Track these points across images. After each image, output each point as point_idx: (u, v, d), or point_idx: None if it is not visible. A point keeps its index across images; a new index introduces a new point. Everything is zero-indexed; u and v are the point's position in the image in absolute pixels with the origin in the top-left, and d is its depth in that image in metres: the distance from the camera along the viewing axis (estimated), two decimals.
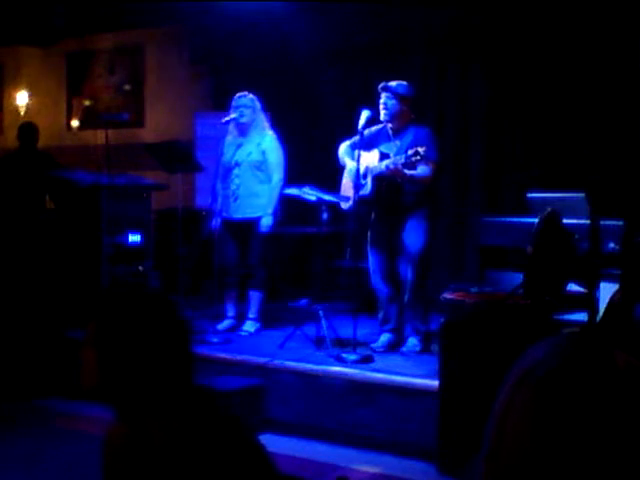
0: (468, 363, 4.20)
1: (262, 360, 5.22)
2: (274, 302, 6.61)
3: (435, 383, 4.42)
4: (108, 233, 6.27)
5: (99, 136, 8.18)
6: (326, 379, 4.96)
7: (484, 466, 0.94)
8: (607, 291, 4.00)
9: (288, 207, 6.05)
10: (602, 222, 4.17)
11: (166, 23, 8.64)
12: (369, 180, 5.24)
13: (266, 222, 5.83)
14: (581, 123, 6.35)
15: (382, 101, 5.28)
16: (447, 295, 4.60)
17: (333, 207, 5.59)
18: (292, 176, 6.01)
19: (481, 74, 7.03)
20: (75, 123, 9.80)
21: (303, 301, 6.50)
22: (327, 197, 5.51)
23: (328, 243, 6.07)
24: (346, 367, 4.97)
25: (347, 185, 5.42)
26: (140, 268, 6.52)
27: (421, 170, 5.14)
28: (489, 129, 6.99)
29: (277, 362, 5.15)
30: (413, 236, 5.22)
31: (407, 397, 4.66)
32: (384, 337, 5.42)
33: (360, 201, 5.23)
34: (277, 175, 5.87)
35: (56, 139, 9.53)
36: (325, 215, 5.52)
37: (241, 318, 6.13)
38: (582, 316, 4.16)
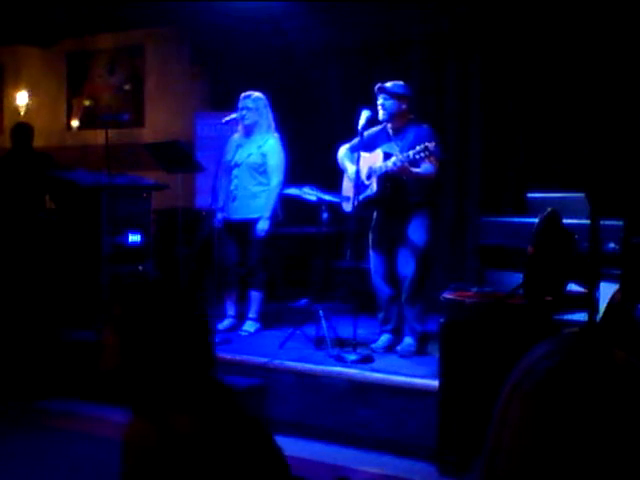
0: (468, 363, 4.20)
1: (262, 360, 5.22)
2: (274, 302, 6.61)
3: (435, 383, 4.42)
4: (108, 233, 6.27)
5: (99, 136, 8.18)
6: (326, 379, 4.96)
7: (485, 466, 0.94)
8: (607, 291, 4.00)
9: (288, 207, 6.05)
10: (602, 222, 4.17)
11: (166, 23, 8.64)
12: (374, 180, 5.23)
13: (262, 226, 5.82)
14: (581, 123, 6.35)
15: (379, 102, 5.28)
16: (447, 295, 4.60)
17: (333, 207, 5.59)
18: (292, 176, 6.01)
19: (481, 74, 7.03)
20: (75, 123, 9.80)
21: (303, 301, 6.50)
22: (327, 197, 5.51)
23: (328, 243, 6.07)
24: (346, 367, 4.97)
25: (348, 188, 5.41)
26: (140, 268, 6.52)
27: (425, 167, 5.14)
28: (489, 129, 6.99)
29: (277, 362, 5.15)
30: (417, 233, 5.22)
31: (407, 397, 4.66)
32: (384, 337, 5.43)
33: (364, 202, 5.22)
34: (276, 178, 5.85)
35: (56, 139, 9.54)
36: (325, 215, 5.52)
37: (241, 318, 6.13)
38: (582, 316, 4.16)
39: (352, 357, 5.04)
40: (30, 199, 6.72)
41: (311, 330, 5.55)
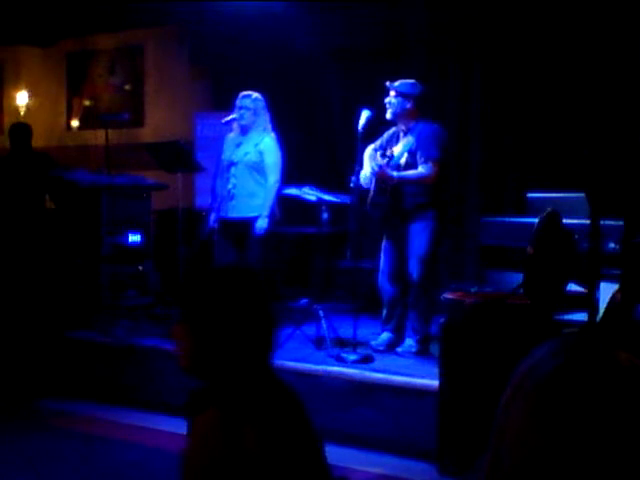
0: (468, 363, 4.19)
1: None
2: (274, 302, 6.59)
3: (435, 383, 4.42)
4: (108, 233, 6.27)
5: (99, 136, 8.17)
6: (326, 379, 4.96)
7: (487, 467, 0.94)
8: (607, 291, 4.01)
9: (288, 207, 6.04)
10: (602, 222, 4.17)
11: (166, 23, 8.64)
12: (373, 183, 5.23)
13: (261, 224, 5.81)
14: (581, 123, 6.35)
15: (386, 100, 5.27)
16: (447, 295, 4.60)
17: (333, 207, 5.59)
18: (292, 176, 6.00)
19: (481, 74, 7.03)
20: (75, 123, 9.80)
21: (303, 301, 6.50)
22: (327, 197, 5.51)
23: (328, 243, 6.07)
24: (346, 367, 4.97)
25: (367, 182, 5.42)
26: (140, 268, 6.52)
27: (420, 170, 5.11)
28: (489, 129, 6.99)
29: (277, 362, 5.14)
30: (419, 237, 5.15)
31: (407, 397, 4.66)
32: (384, 336, 5.42)
33: (371, 204, 5.22)
34: (273, 177, 5.85)
35: (56, 139, 9.54)
36: (325, 215, 5.52)
37: None
38: (582, 316, 4.16)
39: (352, 357, 5.04)
40: (30, 199, 6.72)
41: (311, 330, 5.54)
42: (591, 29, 6.29)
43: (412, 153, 5.15)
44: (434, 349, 4.96)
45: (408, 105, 5.23)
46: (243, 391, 1.71)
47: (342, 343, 5.37)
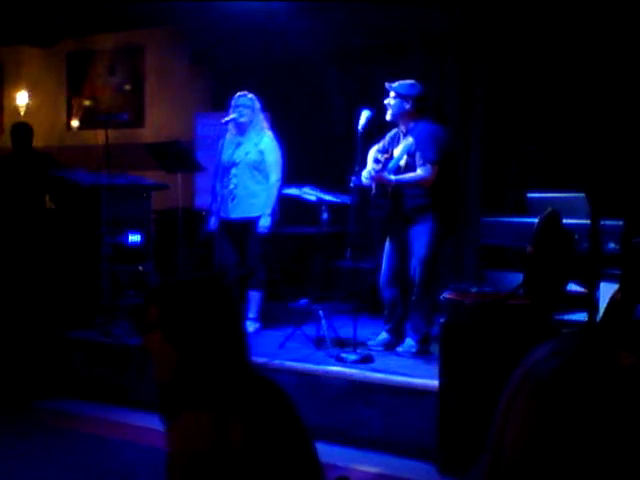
0: (468, 363, 4.19)
1: (262, 360, 5.21)
2: (274, 302, 6.60)
3: (435, 383, 4.41)
4: (108, 233, 6.27)
5: (99, 136, 8.17)
6: (326, 379, 4.95)
7: (487, 467, 0.94)
8: (607, 291, 4.01)
9: (288, 207, 6.04)
10: (602, 222, 4.17)
11: (166, 23, 8.64)
12: (373, 185, 5.23)
13: (264, 223, 5.81)
14: (581, 123, 6.35)
15: (386, 102, 5.26)
16: (447, 295, 4.60)
17: (333, 207, 5.58)
18: (292, 176, 6.01)
19: (481, 74, 7.03)
20: (75, 123, 9.80)
21: (303, 301, 6.50)
22: (327, 197, 5.51)
23: (328, 243, 6.06)
24: (346, 367, 4.97)
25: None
26: (140, 268, 6.52)
27: (418, 172, 5.10)
28: (489, 129, 6.99)
29: (277, 362, 5.15)
30: (420, 239, 5.14)
31: (407, 397, 4.66)
32: (381, 336, 5.42)
33: (372, 206, 5.22)
34: (274, 175, 5.85)
35: (56, 139, 9.54)
36: (325, 215, 5.51)
37: None
38: (582, 316, 4.17)
39: (352, 357, 5.04)
40: (30, 199, 6.72)
41: (311, 330, 5.54)
42: (591, 29, 6.29)
43: (411, 155, 5.15)
44: (434, 349, 4.96)
45: (407, 106, 5.22)
46: (226, 390, 1.72)
47: (342, 343, 5.37)
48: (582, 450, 0.85)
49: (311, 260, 6.83)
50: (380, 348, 5.33)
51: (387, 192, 5.14)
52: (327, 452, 5.03)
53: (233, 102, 5.91)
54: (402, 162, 5.15)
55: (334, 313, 5.81)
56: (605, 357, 0.89)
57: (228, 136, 6.00)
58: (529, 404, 0.89)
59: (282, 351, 5.39)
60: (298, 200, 5.66)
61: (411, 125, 5.23)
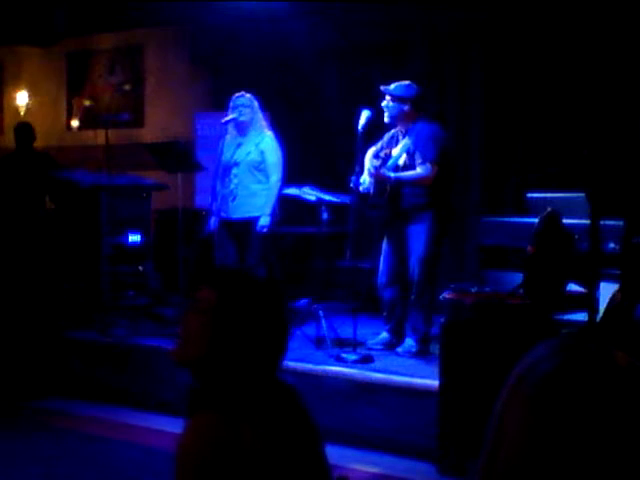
0: (468, 363, 4.20)
1: None
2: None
3: (435, 383, 4.42)
4: (108, 233, 6.27)
5: (99, 136, 8.18)
6: (326, 379, 4.95)
7: (483, 467, 0.94)
8: (607, 291, 4.00)
9: (288, 207, 6.04)
10: (602, 222, 4.17)
11: (166, 23, 8.64)
12: (372, 184, 5.22)
13: (263, 222, 5.81)
14: (581, 123, 6.35)
15: (382, 104, 5.25)
16: (447, 295, 4.60)
17: (333, 207, 5.58)
18: (292, 176, 6.01)
19: (481, 74, 7.03)
20: (75, 123, 9.80)
21: (303, 301, 6.50)
22: (327, 197, 5.51)
23: (328, 243, 6.06)
24: (346, 367, 4.97)
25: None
26: (140, 268, 6.52)
27: (418, 171, 5.10)
28: (489, 129, 6.99)
29: None
30: (418, 239, 5.14)
31: (407, 397, 4.66)
32: (381, 335, 5.42)
33: (370, 205, 5.22)
34: (275, 175, 5.85)
35: (56, 139, 9.53)
36: (325, 215, 5.52)
37: None
38: (582, 316, 4.16)
39: (352, 357, 5.04)
40: (30, 199, 6.72)
41: (311, 330, 5.54)
42: (591, 29, 6.29)
43: (410, 154, 5.15)
44: (434, 349, 4.96)
45: (405, 108, 5.21)
46: (242, 392, 1.70)
47: (342, 343, 5.37)
48: (579, 450, 0.85)
49: (311, 260, 6.83)
50: (380, 348, 5.33)
51: (385, 190, 5.14)
52: (327, 452, 5.03)
53: (231, 103, 5.90)
54: (401, 161, 5.16)
55: (334, 313, 5.81)
56: (602, 357, 0.89)
57: (228, 137, 6.00)
58: (526, 404, 0.89)
59: None
60: (298, 200, 5.66)
61: (410, 125, 5.23)
